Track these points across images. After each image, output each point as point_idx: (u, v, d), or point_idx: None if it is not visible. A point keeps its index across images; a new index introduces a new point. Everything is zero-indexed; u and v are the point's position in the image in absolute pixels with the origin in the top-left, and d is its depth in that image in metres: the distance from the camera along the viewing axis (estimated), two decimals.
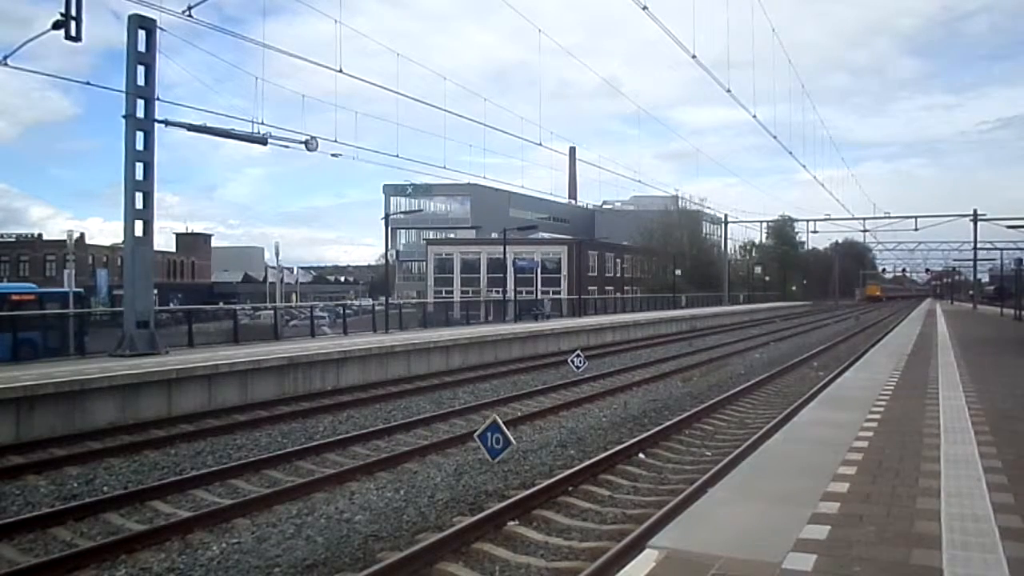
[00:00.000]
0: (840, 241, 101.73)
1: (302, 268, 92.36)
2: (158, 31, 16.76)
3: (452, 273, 67.94)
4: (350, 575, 6.33)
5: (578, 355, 20.64)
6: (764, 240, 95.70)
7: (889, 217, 59.66)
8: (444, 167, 33.07)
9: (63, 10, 14.37)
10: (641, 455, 10.40)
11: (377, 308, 29.28)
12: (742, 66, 34.23)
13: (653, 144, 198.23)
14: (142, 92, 16.77)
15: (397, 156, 38.20)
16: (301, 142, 19.48)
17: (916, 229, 59.45)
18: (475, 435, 10.35)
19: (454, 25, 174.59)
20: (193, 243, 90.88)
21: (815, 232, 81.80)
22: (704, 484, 7.89)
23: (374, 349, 19.36)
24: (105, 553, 6.78)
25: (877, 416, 8.31)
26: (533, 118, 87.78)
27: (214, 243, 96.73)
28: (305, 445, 11.33)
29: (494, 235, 57.80)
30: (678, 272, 62.77)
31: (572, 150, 66.31)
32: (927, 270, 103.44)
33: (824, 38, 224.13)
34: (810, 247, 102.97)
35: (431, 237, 74.28)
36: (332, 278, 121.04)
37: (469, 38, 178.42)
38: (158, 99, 17.17)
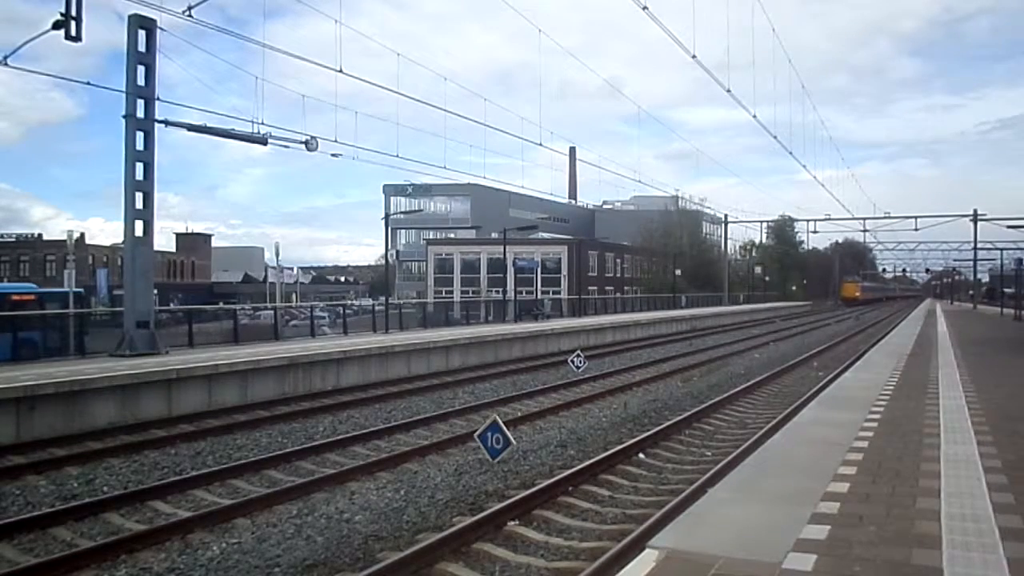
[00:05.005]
0: (840, 241, 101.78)
1: (302, 268, 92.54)
2: (158, 31, 16.77)
3: (452, 273, 67.92)
4: (350, 575, 6.34)
5: (578, 355, 20.64)
6: (764, 240, 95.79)
7: (889, 217, 59.64)
8: (444, 167, 33.18)
9: (63, 10, 14.37)
10: (641, 455, 10.40)
11: (377, 308, 29.28)
12: (742, 67, 34.26)
13: (654, 144, 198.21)
14: (142, 92, 16.76)
15: (397, 156, 38.22)
16: (301, 142, 19.46)
17: (916, 229, 59.43)
18: (475, 435, 10.35)
19: (456, 26, 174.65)
20: (193, 243, 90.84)
21: (815, 232, 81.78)
22: (704, 484, 7.89)
23: (374, 349, 19.36)
24: (105, 553, 6.78)
25: (877, 416, 8.31)
26: (534, 118, 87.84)
27: (214, 243, 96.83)
28: (305, 445, 11.33)
29: (494, 235, 57.80)
30: (678, 272, 62.74)
31: (572, 150, 66.16)
32: (927, 270, 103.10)
33: (824, 39, 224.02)
34: (810, 247, 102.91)
35: (431, 237, 74.24)
36: (332, 278, 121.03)
37: (471, 39, 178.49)
38: (158, 99, 17.18)
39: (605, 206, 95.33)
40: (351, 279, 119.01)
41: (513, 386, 18.09)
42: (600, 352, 26.11)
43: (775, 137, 32.21)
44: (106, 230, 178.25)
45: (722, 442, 11.54)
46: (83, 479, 9.59)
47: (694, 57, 20.13)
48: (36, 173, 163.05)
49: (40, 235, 75.98)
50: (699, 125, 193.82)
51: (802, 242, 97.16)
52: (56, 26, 14.42)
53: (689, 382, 18.79)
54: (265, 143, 19.02)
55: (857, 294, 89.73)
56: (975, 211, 56.97)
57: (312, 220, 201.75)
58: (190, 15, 15.85)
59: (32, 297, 22.43)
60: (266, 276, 70.73)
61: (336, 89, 59.04)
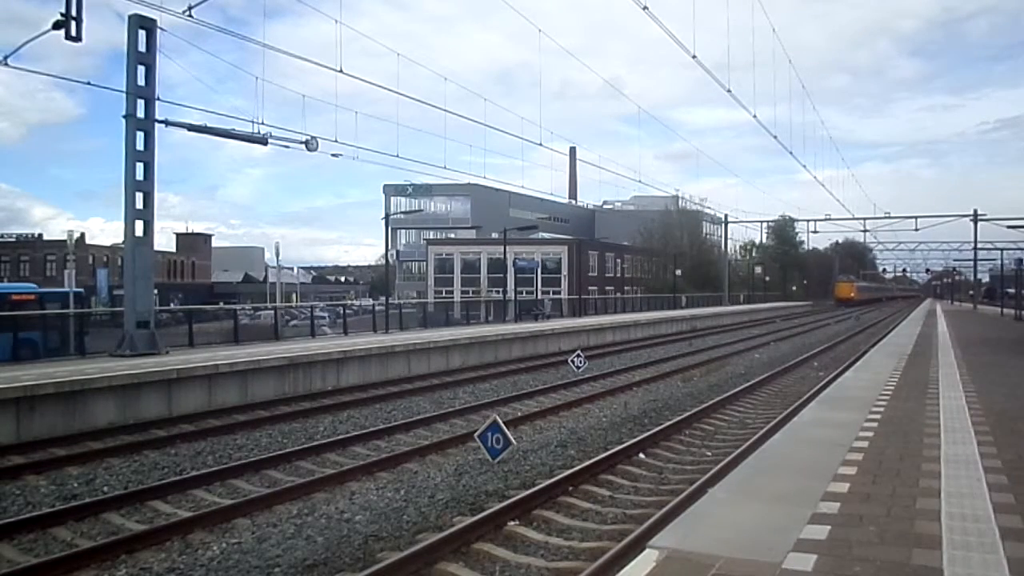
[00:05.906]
0: (840, 241, 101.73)
1: (302, 268, 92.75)
2: (158, 31, 16.77)
3: (452, 273, 67.92)
4: (350, 575, 6.33)
5: (578, 355, 20.62)
6: (764, 240, 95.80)
7: (889, 217, 59.66)
8: (444, 167, 33.15)
9: (63, 10, 14.37)
10: (641, 455, 10.39)
11: (377, 308, 29.30)
12: (742, 67, 34.30)
13: (654, 144, 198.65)
14: (142, 92, 16.76)
15: (397, 156, 38.07)
16: (302, 142, 19.48)
17: (916, 229, 59.50)
18: (475, 435, 10.34)
19: (456, 26, 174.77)
20: (193, 243, 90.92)
21: (815, 232, 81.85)
22: (704, 484, 7.88)
23: (374, 349, 19.36)
24: (105, 553, 6.78)
25: (877, 416, 8.31)
26: (534, 118, 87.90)
27: (215, 243, 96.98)
28: (305, 445, 11.32)
29: (494, 235, 57.79)
30: (678, 272, 62.74)
31: (572, 150, 66.28)
32: (927, 270, 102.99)
33: (824, 39, 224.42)
34: (810, 247, 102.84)
35: (431, 237, 74.26)
36: (332, 278, 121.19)
37: (471, 39, 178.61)
38: (159, 99, 17.18)
39: (605, 206, 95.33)
40: (351, 279, 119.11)
41: (513, 386, 18.08)
42: (600, 352, 26.10)
43: (775, 137, 32.28)
44: (106, 230, 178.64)
45: (722, 442, 11.53)
46: (83, 479, 9.58)
47: (694, 57, 20.15)
48: (36, 173, 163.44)
49: (40, 235, 76.11)
50: (699, 125, 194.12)
51: (802, 242, 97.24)
52: (56, 26, 14.42)
53: (689, 382, 18.79)
54: (265, 143, 19.04)
55: (852, 294, 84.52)
56: (975, 211, 57.04)
57: (312, 220, 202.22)
58: (190, 15, 15.87)
59: (32, 297, 22.42)
60: (266, 276, 70.82)
61: (336, 89, 59.39)
